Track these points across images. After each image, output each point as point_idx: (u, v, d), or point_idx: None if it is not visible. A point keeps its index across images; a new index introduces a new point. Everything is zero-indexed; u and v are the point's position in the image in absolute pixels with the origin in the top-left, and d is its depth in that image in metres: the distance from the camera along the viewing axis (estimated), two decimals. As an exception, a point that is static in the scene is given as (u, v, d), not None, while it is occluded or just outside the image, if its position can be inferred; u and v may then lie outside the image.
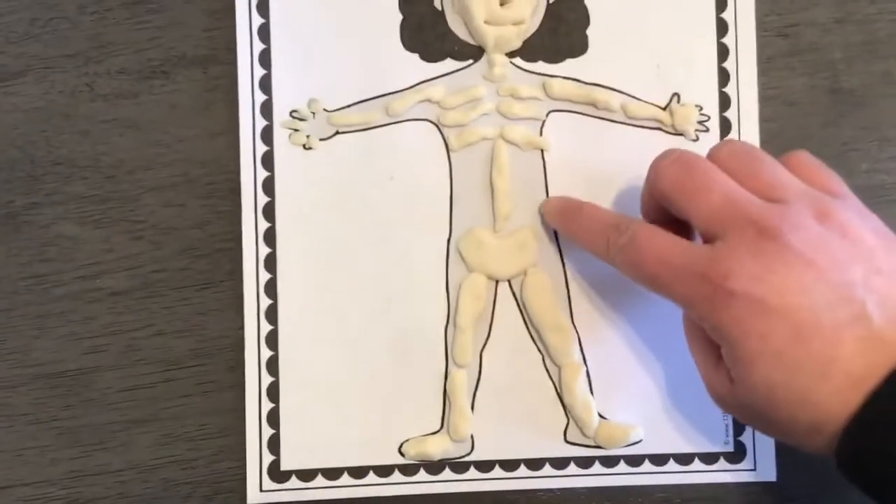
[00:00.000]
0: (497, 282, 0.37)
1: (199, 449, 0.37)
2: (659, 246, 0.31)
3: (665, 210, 0.33)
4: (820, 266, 0.28)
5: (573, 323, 0.37)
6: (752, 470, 0.37)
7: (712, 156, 0.32)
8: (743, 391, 0.30)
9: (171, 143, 0.37)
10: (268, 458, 0.36)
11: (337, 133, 0.37)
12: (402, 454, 0.37)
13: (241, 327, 0.37)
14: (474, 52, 0.38)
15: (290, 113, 0.37)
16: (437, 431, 0.37)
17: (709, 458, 0.37)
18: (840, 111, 0.38)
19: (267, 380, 0.37)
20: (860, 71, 0.38)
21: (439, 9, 0.37)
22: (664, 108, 0.37)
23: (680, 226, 0.33)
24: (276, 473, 0.36)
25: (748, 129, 0.37)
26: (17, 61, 0.38)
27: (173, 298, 0.37)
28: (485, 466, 0.37)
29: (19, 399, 0.37)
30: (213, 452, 0.37)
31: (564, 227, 0.36)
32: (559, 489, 0.37)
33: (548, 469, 0.37)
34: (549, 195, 0.37)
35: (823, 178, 0.32)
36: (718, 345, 0.30)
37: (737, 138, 0.37)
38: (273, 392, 0.37)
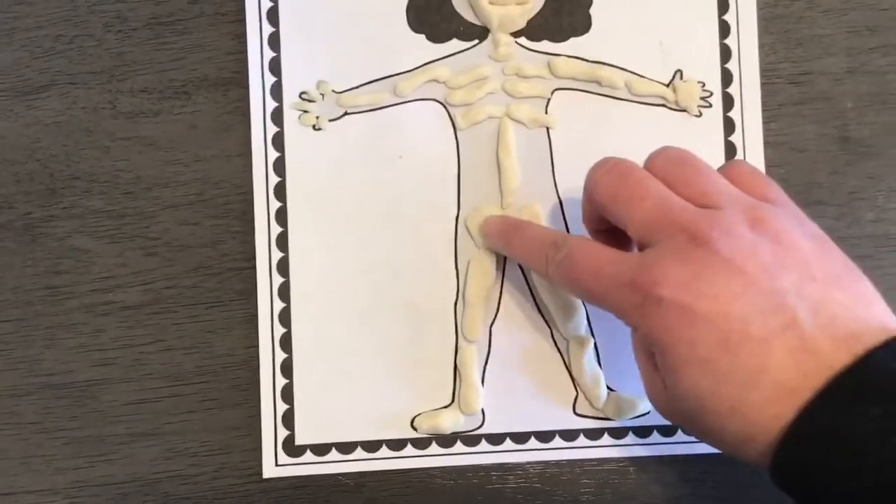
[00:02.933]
0: (505, 258, 0.38)
1: (201, 465, 0.37)
2: (592, 259, 0.31)
3: (606, 220, 0.32)
4: (749, 273, 0.27)
5: (581, 297, 0.38)
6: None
7: (648, 164, 0.32)
8: (674, 399, 0.29)
9: (189, 162, 0.38)
10: (282, 432, 0.37)
11: (346, 114, 0.38)
12: (414, 428, 0.37)
13: (249, 346, 0.37)
14: (480, 33, 0.38)
15: (300, 95, 0.38)
16: (449, 405, 0.37)
17: (716, 429, 0.37)
18: (848, 160, 0.38)
19: (280, 356, 0.37)
20: (870, 121, 0.38)
21: (445, -10, 0.38)
22: (667, 85, 0.38)
23: (621, 236, 0.32)
24: (291, 448, 0.37)
25: (750, 105, 0.38)
26: (42, 76, 0.38)
27: (183, 315, 0.38)
28: (496, 439, 0.37)
29: (27, 408, 0.38)
30: (215, 469, 0.37)
31: (505, 245, 0.36)
32: (569, 461, 0.37)
33: (558, 441, 0.37)
34: (556, 172, 0.38)
35: (761, 186, 0.31)
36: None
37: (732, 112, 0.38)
38: (287, 368, 0.37)
